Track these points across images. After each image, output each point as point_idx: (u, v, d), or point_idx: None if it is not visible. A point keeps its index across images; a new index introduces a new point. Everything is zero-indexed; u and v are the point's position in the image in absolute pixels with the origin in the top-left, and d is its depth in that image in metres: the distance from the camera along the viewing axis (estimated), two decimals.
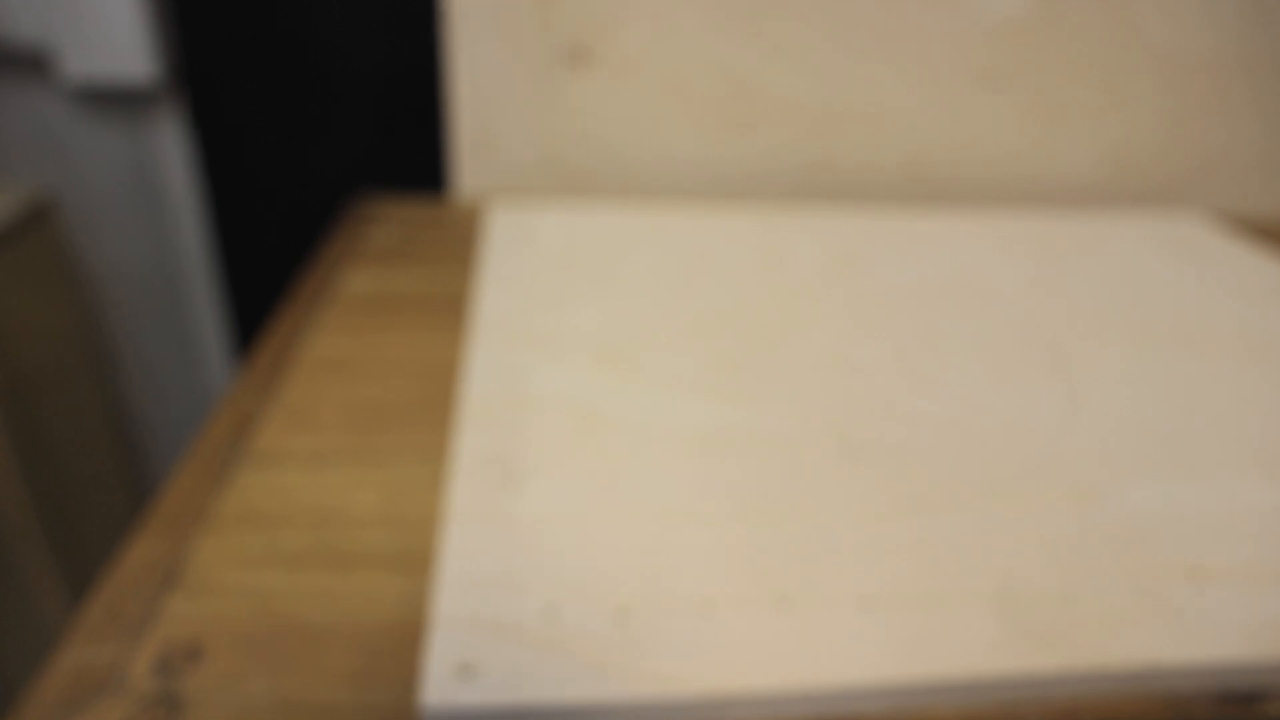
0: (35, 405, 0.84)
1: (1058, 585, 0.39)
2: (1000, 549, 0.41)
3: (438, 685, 0.33)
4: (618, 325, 0.58)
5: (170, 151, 0.85)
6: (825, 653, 0.35)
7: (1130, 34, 0.82)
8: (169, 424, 1.01)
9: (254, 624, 0.36)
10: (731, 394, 0.52)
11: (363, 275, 0.66)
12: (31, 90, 0.82)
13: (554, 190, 0.83)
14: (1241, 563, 0.42)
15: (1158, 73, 0.84)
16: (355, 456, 0.46)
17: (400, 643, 0.36)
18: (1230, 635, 0.37)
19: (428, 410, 0.50)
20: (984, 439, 0.49)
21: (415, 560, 0.40)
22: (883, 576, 0.39)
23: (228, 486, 0.44)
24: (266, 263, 0.87)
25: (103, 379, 0.95)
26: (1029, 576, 0.40)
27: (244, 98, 0.80)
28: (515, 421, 0.48)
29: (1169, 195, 0.90)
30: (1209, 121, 0.87)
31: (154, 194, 0.87)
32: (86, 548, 0.92)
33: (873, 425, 0.50)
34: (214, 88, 0.79)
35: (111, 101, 0.83)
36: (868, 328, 0.60)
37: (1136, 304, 0.66)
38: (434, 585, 0.37)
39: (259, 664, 0.35)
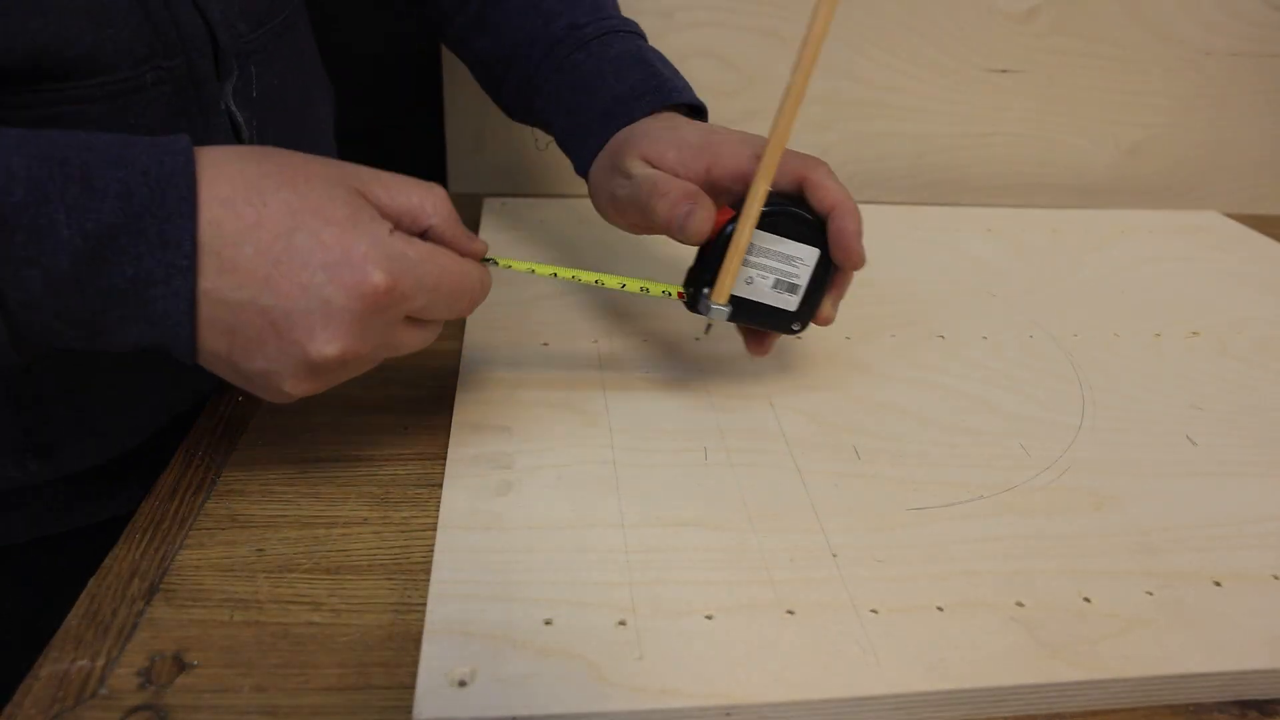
0: None
1: (1075, 593, 0.38)
2: (1015, 555, 0.40)
3: (430, 696, 0.32)
4: (618, 322, 0.57)
5: None
6: (834, 663, 0.34)
7: (1146, 28, 0.80)
8: None
9: (242, 633, 0.35)
10: (734, 392, 0.50)
11: None
12: None
13: (549, 188, 0.82)
14: (1260, 570, 0.40)
15: (1174, 68, 0.82)
16: (346, 459, 0.45)
17: (391, 653, 0.35)
18: (1250, 643, 0.36)
19: (421, 411, 0.49)
20: (995, 441, 0.48)
21: (407, 568, 0.39)
22: (893, 584, 0.38)
23: (215, 492, 0.42)
24: None
25: None
26: (1046, 583, 0.39)
27: None
28: (511, 424, 0.47)
29: (1181, 191, 0.89)
30: (1224, 120, 0.86)
31: None
32: None
33: (880, 425, 0.48)
34: None
35: None
36: (873, 324, 0.58)
37: (1154, 298, 0.65)
38: (427, 593, 0.36)
39: (247, 674, 0.34)
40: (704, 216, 0.42)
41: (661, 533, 0.40)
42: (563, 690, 0.32)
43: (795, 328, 0.45)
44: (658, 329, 0.57)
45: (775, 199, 0.42)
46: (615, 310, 0.59)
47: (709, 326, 0.46)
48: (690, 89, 0.51)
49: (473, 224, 0.71)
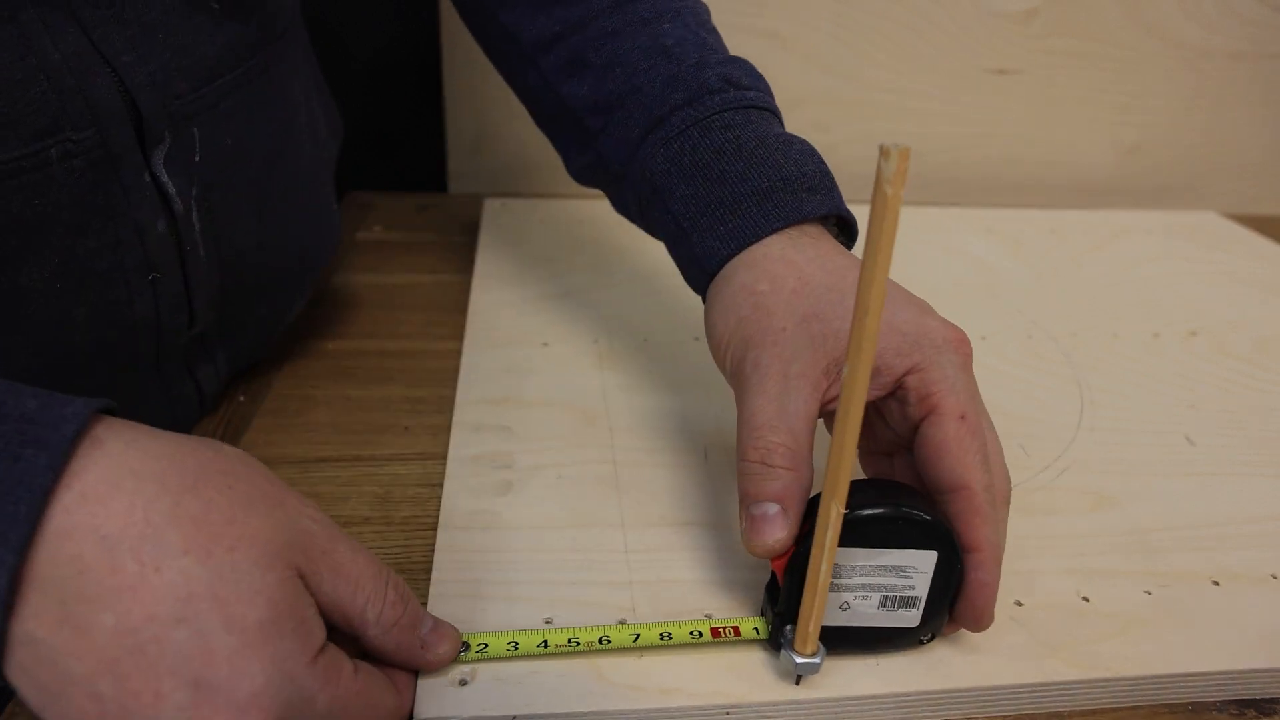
0: None
1: (1074, 592, 0.38)
2: (1014, 555, 0.40)
3: (430, 696, 0.32)
4: (618, 322, 0.57)
5: None
6: (833, 662, 0.34)
7: (1145, 29, 0.80)
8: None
9: None
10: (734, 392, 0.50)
11: (357, 271, 0.65)
12: None
13: (550, 188, 0.82)
14: (1258, 569, 0.40)
15: (1173, 69, 0.82)
16: (347, 459, 0.45)
17: None
18: (1248, 642, 0.36)
19: (421, 411, 0.49)
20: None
21: (408, 568, 0.39)
22: None
23: None
24: None
25: None
26: (1044, 583, 0.39)
27: None
28: (511, 424, 0.47)
29: (1180, 192, 0.89)
30: (1223, 120, 0.86)
31: None
32: None
33: None
34: None
35: None
36: None
37: (1153, 299, 0.65)
38: (427, 593, 0.36)
39: None
40: (782, 539, 0.33)
41: (661, 533, 0.40)
42: (563, 689, 0.32)
43: (925, 638, 0.35)
44: (658, 328, 0.57)
45: (860, 497, 0.31)
46: (615, 310, 0.59)
47: (799, 678, 0.33)
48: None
49: (473, 225, 0.71)
